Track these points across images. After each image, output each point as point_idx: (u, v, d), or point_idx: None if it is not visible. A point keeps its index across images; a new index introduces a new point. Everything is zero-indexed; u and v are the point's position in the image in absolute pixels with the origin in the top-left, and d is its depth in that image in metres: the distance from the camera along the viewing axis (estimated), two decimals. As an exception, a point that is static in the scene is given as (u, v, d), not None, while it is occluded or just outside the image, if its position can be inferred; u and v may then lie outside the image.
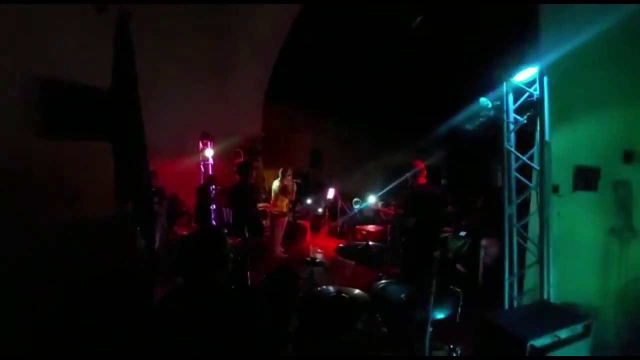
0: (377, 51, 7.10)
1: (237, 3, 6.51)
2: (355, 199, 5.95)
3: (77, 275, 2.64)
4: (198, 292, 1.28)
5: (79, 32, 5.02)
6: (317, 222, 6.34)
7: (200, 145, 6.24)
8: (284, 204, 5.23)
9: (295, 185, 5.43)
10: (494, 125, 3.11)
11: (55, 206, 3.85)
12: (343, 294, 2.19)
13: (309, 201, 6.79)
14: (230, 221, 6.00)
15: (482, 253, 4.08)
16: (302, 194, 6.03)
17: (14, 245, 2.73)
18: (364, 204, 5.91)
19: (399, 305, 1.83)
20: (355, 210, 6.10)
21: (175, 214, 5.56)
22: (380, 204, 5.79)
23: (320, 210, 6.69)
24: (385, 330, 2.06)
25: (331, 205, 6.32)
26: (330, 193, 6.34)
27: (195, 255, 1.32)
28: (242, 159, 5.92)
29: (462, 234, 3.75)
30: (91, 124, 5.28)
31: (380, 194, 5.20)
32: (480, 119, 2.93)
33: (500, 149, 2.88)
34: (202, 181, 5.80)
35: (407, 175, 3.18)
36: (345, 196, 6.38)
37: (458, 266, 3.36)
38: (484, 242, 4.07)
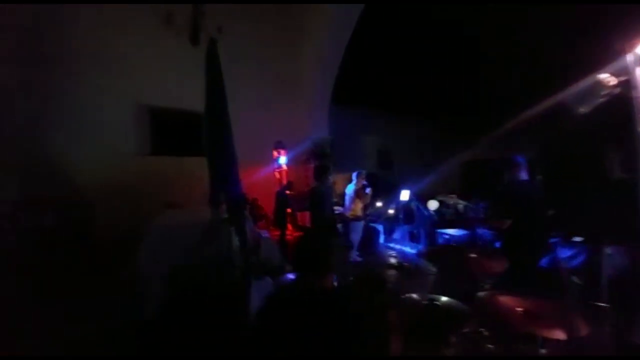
0: (447, 34, 6.56)
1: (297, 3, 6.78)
2: (431, 200, 5.53)
3: (184, 274, 2.89)
4: (311, 292, 1.32)
5: (179, 65, 5.99)
6: (389, 226, 6.12)
7: (275, 153, 6.67)
8: (359, 207, 5.20)
9: (369, 189, 5.36)
10: (615, 106, 2.52)
11: (162, 212, 4.54)
12: (436, 302, 2.03)
13: (379, 204, 6.61)
14: (305, 225, 6.30)
15: (604, 263, 3.33)
16: (372, 196, 5.90)
17: (133, 248, 3.22)
18: (442, 205, 5.46)
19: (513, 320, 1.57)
20: (432, 212, 5.67)
21: (255, 218, 6.07)
22: (461, 204, 5.27)
23: (392, 212, 6.44)
24: (492, 347, 1.82)
25: (405, 208, 6.02)
26: (404, 195, 6.03)
27: (315, 254, 1.37)
28: (313, 164, 6.13)
29: (577, 239, 3.11)
30: (190, 142, 6.29)
31: (460, 193, 4.73)
32: (598, 99, 2.40)
33: (631, 133, 2.31)
34: (278, 187, 6.19)
35: (504, 170, 2.79)
36: (420, 197, 6.01)
37: (574, 278, 2.78)
38: (607, 250, 3.31)
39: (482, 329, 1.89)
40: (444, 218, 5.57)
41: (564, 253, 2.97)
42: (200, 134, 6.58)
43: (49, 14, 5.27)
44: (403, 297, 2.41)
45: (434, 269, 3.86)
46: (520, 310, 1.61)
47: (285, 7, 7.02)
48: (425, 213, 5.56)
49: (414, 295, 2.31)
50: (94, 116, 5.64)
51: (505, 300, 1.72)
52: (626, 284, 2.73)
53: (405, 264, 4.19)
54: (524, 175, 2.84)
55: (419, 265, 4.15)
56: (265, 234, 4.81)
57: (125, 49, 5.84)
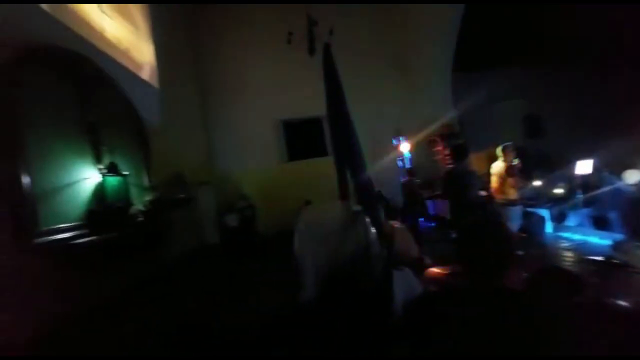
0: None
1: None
2: (631, 171, 3.86)
3: (330, 266, 3.03)
4: (486, 292, 1.11)
5: (302, 77, 6.65)
6: (558, 209, 4.69)
7: (395, 142, 6.39)
8: (511, 189, 4.09)
9: (519, 165, 4.18)
10: None
11: (302, 208, 5.08)
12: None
13: (537, 182, 5.21)
14: (439, 214, 5.73)
15: None
16: (526, 174, 4.66)
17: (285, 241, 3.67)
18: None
19: None
20: (632, 187, 3.99)
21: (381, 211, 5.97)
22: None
23: (559, 191, 4.95)
24: None
25: (585, 184, 4.46)
26: (583, 166, 4.48)
27: (491, 249, 1.16)
28: (441, 147, 5.50)
29: None
30: (317, 145, 7.02)
31: None
32: None
33: None
34: (402, 177, 5.89)
35: None
36: (606, 169, 4.33)
37: None
38: None
39: None
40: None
41: None
42: (324, 136, 7.17)
43: (211, 55, 7.03)
44: (608, 302, 1.73)
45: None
46: None
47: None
48: (621, 189, 3.95)
49: (623, 303, 1.62)
50: (245, 134, 7.09)
51: None
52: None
53: (603, 258, 3.10)
54: None
55: (624, 260, 2.99)
56: (397, 224, 4.63)
57: (261, 73, 7.07)
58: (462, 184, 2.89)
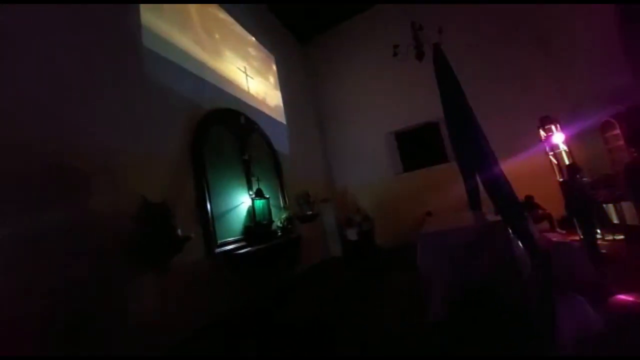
0: None
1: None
2: None
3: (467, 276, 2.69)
4: None
5: (411, 86, 6.61)
6: None
7: (542, 133, 5.12)
8: None
9: None
10: None
11: (425, 220, 4.72)
12: None
13: None
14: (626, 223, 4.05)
15: None
16: None
17: (406, 254, 3.49)
18: None
19: None
20: None
21: (533, 219, 4.78)
22: None
23: None
24: None
25: None
26: None
27: None
28: (620, 130, 4.00)
29: None
30: (433, 152, 6.56)
31: None
32: None
33: None
34: (561, 174, 4.58)
35: None
36: None
37: None
38: None
39: None
40: None
41: None
42: (443, 141, 6.61)
43: (324, 85, 7.90)
44: None
45: None
46: None
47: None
48: None
49: None
50: (359, 150, 7.40)
51: None
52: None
53: None
54: None
55: None
56: (558, 238, 3.62)
57: (370, 90, 7.31)
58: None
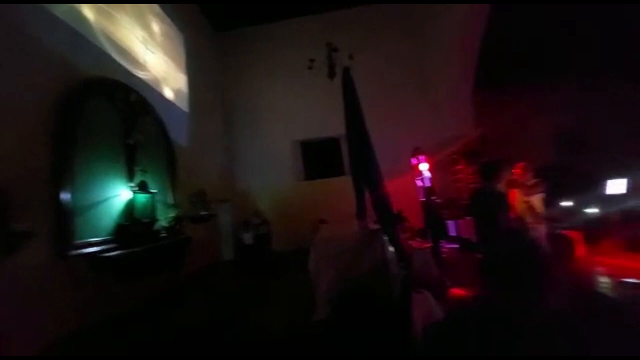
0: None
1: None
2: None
3: (345, 283, 3.01)
4: (515, 309, 1.08)
5: (320, 100, 6.94)
6: (594, 231, 4.38)
7: (414, 160, 6.35)
8: (531, 211, 3.99)
9: (541, 185, 4.07)
10: None
11: (318, 227, 5.08)
12: None
13: (566, 203, 4.95)
14: (461, 235, 5.52)
15: None
16: (553, 193, 4.44)
17: (300, 257, 3.70)
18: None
19: None
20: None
21: (401, 230, 5.84)
22: None
23: (592, 211, 4.66)
24: None
25: (621, 204, 4.21)
26: (616, 184, 4.26)
27: (527, 270, 1.14)
28: (462, 165, 5.40)
29: None
30: (334, 165, 7.16)
31: None
32: None
33: None
34: (422, 196, 5.78)
35: None
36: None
37: None
38: None
39: None
40: None
41: None
42: (342, 156, 7.26)
43: (235, 82, 7.51)
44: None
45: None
46: None
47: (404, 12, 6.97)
48: None
49: None
50: (265, 153, 7.36)
51: None
52: None
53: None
54: None
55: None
56: (417, 245, 4.51)
57: (282, 96, 7.40)
58: (491, 205, 2.79)
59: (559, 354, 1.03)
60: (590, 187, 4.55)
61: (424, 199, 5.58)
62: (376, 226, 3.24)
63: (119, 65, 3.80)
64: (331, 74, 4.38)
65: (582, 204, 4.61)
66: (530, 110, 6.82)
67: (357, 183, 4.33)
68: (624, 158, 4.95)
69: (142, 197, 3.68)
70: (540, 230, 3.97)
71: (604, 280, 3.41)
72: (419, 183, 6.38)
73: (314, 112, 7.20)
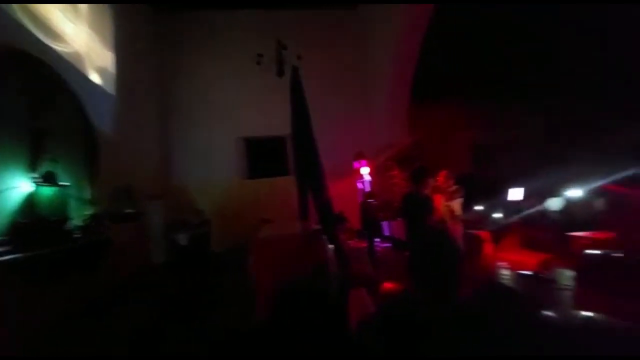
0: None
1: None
2: (553, 199, 4.52)
3: (284, 284, 3.03)
4: (435, 305, 1.20)
5: (268, 97, 6.76)
6: (498, 232, 5.22)
7: (356, 164, 6.67)
8: (451, 214, 4.63)
9: (460, 191, 4.76)
10: None
11: (259, 226, 5.00)
12: (595, 321, 1.56)
13: (479, 207, 5.79)
14: (394, 235, 6.01)
15: None
16: (469, 199, 5.19)
17: (240, 257, 3.60)
18: (570, 202, 4.41)
19: None
20: (555, 212, 4.64)
21: (341, 230, 6.09)
22: (598, 200, 4.15)
23: (498, 216, 5.54)
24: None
25: (519, 209, 5.08)
26: (515, 193, 5.12)
27: (446, 266, 1.26)
28: (396, 171, 5.87)
29: None
30: (278, 164, 7.06)
31: (606, 182, 3.64)
32: None
33: None
34: (362, 198, 6.11)
35: None
36: (538, 195, 4.99)
37: None
38: None
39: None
40: (574, 219, 4.47)
41: None
42: (287, 156, 7.25)
43: (176, 68, 6.92)
44: (540, 314, 1.96)
45: (570, 282, 3.11)
46: None
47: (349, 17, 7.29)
48: (550, 214, 4.57)
49: (553, 313, 1.85)
50: (206, 149, 6.91)
51: None
52: None
53: (532, 275, 3.52)
54: None
55: (549, 277, 3.42)
56: (354, 244, 4.75)
57: (227, 90, 7.03)
58: (419, 207, 3.11)
59: (469, 339, 1.20)
60: (497, 195, 5.43)
61: (362, 201, 5.91)
62: (318, 227, 3.31)
63: (29, 33, 3.17)
64: (280, 72, 4.35)
65: (490, 208, 5.46)
66: (453, 125, 7.85)
67: (301, 183, 4.37)
68: (523, 171, 6.02)
69: (48, 191, 3.13)
70: (458, 231, 4.64)
71: (505, 273, 4.10)
72: (359, 186, 6.73)
73: (261, 109, 7.01)
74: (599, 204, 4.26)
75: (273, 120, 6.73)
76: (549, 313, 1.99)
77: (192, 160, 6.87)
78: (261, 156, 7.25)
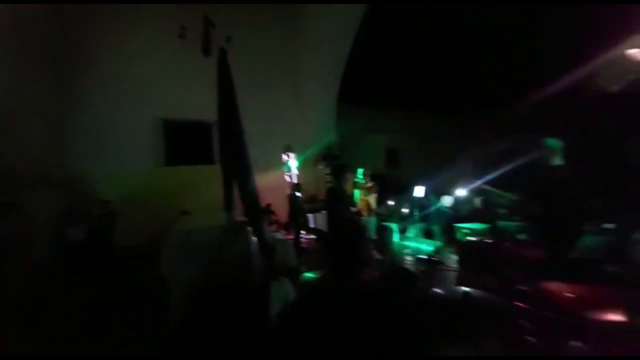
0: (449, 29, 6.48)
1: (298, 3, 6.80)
2: (445, 196, 5.43)
3: (208, 277, 2.85)
4: (347, 287, 1.29)
5: (192, 77, 6.06)
6: (404, 224, 6.01)
7: (284, 157, 6.67)
8: (368, 207, 5.20)
9: (375, 187, 5.36)
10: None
11: (178, 219, 4.57)
12: (471, 295, 1.96)
13: (391, 202, 6.54)
14: (318, 227, 6.26)
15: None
16: (381, 195, 5.87)
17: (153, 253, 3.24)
18: (458, 199, 5.38)
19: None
20: (447, 207, 5.58)
21: (268, 222, 6.06)
22: (478, 199, 5.16)
23: (405, 210, 6.35)
24: (533, 340, 1.74)
25: (419, 205, 5.94)
26: (418, 190, 5.95)
27: (352, 251, 1.35)
28: (322, 166, 6.11)
29: (608, 226, 2.97)
30: (203, 151, 6.46)
31: (480, 184, 4.55)
32: (630, 76, 2.23)
33: None
34: (290, 191, 6.16)
35: (536, 154, 2.58)
36: (435, 193, 5.91)
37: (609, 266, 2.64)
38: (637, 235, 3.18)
39: (522, 321, 1.81)
40: (460, 213, 5.47)
41: (595, 240, 2.84)
42: (212, 143, 6.76)
43: (74, 36, 5.58)
44: (431, 291, 2.35)
45: (455, 264, 3.81)
46: (573, 297, 1.53)
47: (284, 10, 7.16)
48: (441, 209, 5.47)
49: (439, 290, 2.24)
50: (113, 131, 5.86)
51: (555, 287, 1.64)
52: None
53: (427, 259, 4.15)
54: (557, 160, 2.56)
55: (440, 260, 4.11)
56: (279, 236, 4.79)
57: (142, 66, 6.11)
58: (340, 201, 3.32)
59: (376, 315, 1.34)
60: (405, 192, 6.26)
61: (289, 194, 5.97)
62: (242, 218, 3.21)
63: None
64: (206, 51, 3.98)
65: (399, 203, 6.26)
66: (371, 128, 8.63)
67: (226, 173, 4.15)
68: (427, 172, 7.03)
69: None
70: (372, 222, 5.23)
71: (409, 258, 4.76)
72: (287, 179, 6.76)
73: (184, 90, 6.31)
74: (477, 201, 5.31)
75: (199, 103, 6.06)
76: (438, 289, 2.41)
77: (98, 142, 5.80)
78: (183, 141, 6.54)
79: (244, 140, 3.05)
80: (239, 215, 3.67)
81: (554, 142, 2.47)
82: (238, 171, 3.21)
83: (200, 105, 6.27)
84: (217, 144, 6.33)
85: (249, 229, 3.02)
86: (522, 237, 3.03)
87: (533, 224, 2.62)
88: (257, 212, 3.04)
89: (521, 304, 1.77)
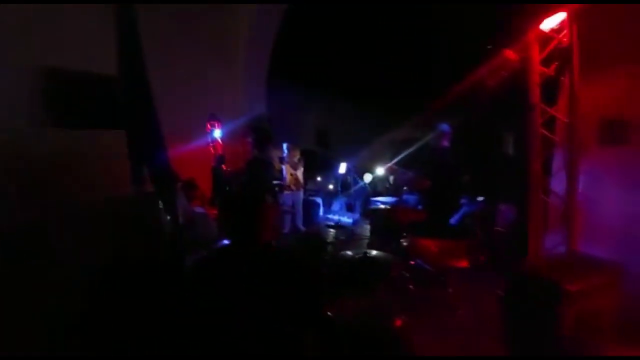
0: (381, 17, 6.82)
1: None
2: (366, 173, 5.96)
3: (109, 257, 2.65)
4: (246, 251, 1.33)
5: (89, 20, 4.92)
6: (329, 199, 6.42)
7: (209, 126, 6.24)
8: (295, 180, 5.36)
9: (302, 162, 5.54)
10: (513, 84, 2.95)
11: (72, 194, 3.94)
12: (367, 255, 2.25)
13: (319, 178, 6.85)
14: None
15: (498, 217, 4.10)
16: (310, 171, 6.11)
17: (39, 234, 2.77)
18: (375, 177, 5.96)
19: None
20: (366, 184, 6.15)
21: (190, 198, 5.67)
22: (391, 177, 5.81)
23: (331, 186, 6.75)
24: (412, 287, 2.13)
25: (342, 181, 6.39)
26: (342, 168, 6.37)
27: (244, 214, 1.37)
28: (251, 138, 5.93)
29: (480, 199, 3.73)
30: (106, 112, 5.34)
31: (391, 164, 5.15)
32: (503, 73, 2.75)
33: (524, 104, 2.72)
34: (214, 163, 5.84)
35: (430, 138, 3.11)
36: (356, 171, 6.41)
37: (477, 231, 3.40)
38: (501, 207, 4.08)
39: (404, 272, 2.19)
40: (376, 189, 6.09)
41: (469, 209, 3.57)
42: (113, 104, 5.77)
43: None
44: (340, 253, 2.61)
45: (367, 234, 4.32)
46: (436, 250, 1.96)
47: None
48: (361, 185, 6.00)
49: (349, 252, 2.52)
50: None
51: (424, 243, 2.05)
52: (511, 231, 3.48)
53: (343, 228, 4.58)
54: (445, 143, 3.16)
55: (354, 230, 4.59)
56: (200, 210, 4.58)
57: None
58: (260, 169, 3.32)
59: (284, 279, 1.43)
60: (331, 169, 6.63)
61: (213, 166, 5.68)
62: (151, 190, 2.94)
63: None
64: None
65: (325, 178, 6.62)
66: (302, 106, 8.69)
67: (133, 141, 3.70)
68: (351, 150, 7.50)
69: None
70: (300, 195, 5.42)
71: (331, 231, 5.15)
72: (212, 150, 6.37)
73: (71, 32, 5.07)
74: (390, 178, 5.99)
75: (92, 52, 4.87)
76: (348, 252, 2.69)
77: None
78: (76, 98, 5.38)
79: (151, 101, 2.72)
80: (148, 187, 3.35)
81: (444, 127, 2.97)
82: (146, 138, 2.88)
83: (95, 54, 4.98)
84: (121, 105, 5.41)
85: (159, 201, 2.80)
86: (418, 207, 3.61)
87: (424, 196, 3.15)
88: (168, 183, 2.82)
89: (405, 259, 2.15)
